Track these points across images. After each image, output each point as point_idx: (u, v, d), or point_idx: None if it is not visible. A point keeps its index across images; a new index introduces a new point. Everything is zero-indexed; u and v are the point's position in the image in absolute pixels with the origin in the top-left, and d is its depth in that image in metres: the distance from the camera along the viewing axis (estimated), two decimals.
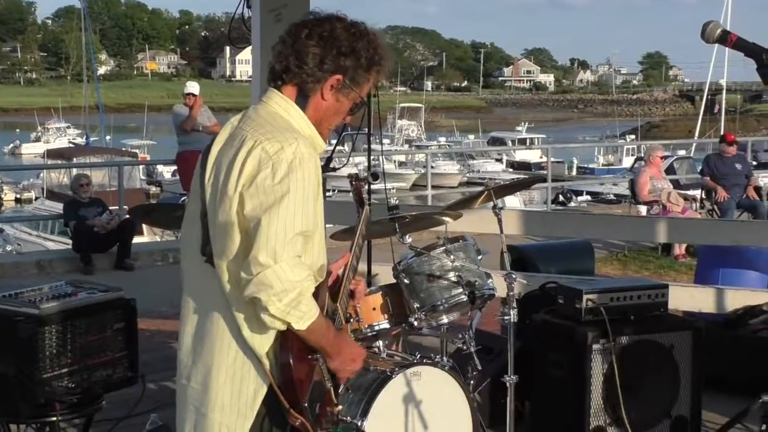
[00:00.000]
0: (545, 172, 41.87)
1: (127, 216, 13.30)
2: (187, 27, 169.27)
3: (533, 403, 5.68)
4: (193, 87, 13.32)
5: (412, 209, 5.80)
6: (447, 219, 5.21)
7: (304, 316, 2.83)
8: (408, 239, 4.86)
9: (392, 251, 5.37)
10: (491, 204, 5.11)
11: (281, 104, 3.04)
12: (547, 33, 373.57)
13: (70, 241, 12.62)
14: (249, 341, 2.91)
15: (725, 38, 2.89)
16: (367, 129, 5.65)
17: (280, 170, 2.83)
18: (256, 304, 2.80)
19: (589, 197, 34.04)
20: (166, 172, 41.06)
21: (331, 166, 5.34)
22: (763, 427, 5.45)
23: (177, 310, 8.94)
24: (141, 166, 31.12)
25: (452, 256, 4.85)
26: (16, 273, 11.33)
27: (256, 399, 2.96)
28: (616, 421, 5.33)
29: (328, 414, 3.08)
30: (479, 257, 5.02)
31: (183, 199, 26.37)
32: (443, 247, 4.86)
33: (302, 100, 3.05)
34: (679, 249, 12.98)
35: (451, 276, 4.83)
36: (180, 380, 3.11)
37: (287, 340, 2.88)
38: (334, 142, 5.32)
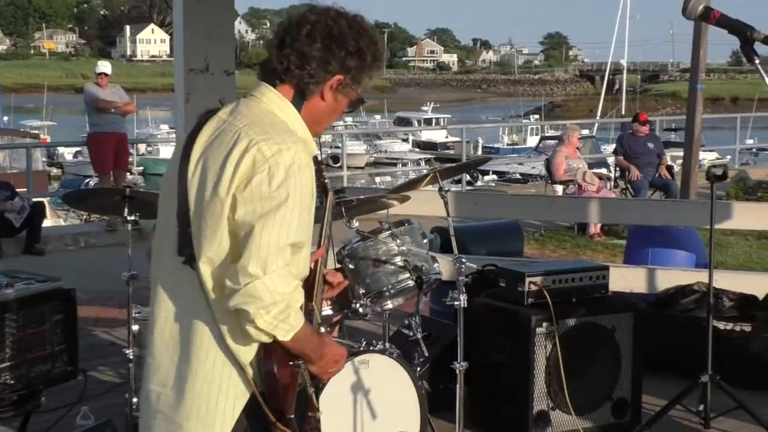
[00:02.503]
0: (451, 151, 42.57)
1: (35, 200, 12.96)
2: (85, 5, 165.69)
3: (474, 387, 5.59)
4: (105, 66, 12.95)
5: (358, 192, 5.68)
6: (394, 202, 5.09)
7: (291, 328, 2.68)
8: (355, 223, 4.72)
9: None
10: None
11: (277, 103, 2.85)
12: (450, 13, 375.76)
13: None
14: (233, 349, 2.74)
15: (708, 15, 2.81)
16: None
17: (278, 175, 2.65)
18: (242, 315, 2.64)
19: (495, 177, 34.25)
20: (68, 153, 40.23)
21: None
22: (701, 407, 5.50)
23: (91, 295, 8.75)
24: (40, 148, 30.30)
25: (398, 240, 4.73)
26: None
27: (236, 408, 2.79)
28: (560, 405, 5.30)
29: (311, 421, 2.95)
30: (425, 241, 4.91)
31: (88, 180, 25.97)
32: (389, 232, 4.74)
33: (299, 101, 2.86)
34: (595, 228, 13.10)
35: (398, 261, 4.72)
36: (147, 385, 2.91)
37: (270, 347, 2.73)
38: None
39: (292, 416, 2.81)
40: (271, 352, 2.74)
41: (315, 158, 3.17)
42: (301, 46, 2.81)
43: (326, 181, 3.17)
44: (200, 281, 2.73)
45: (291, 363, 2.79)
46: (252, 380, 2.77)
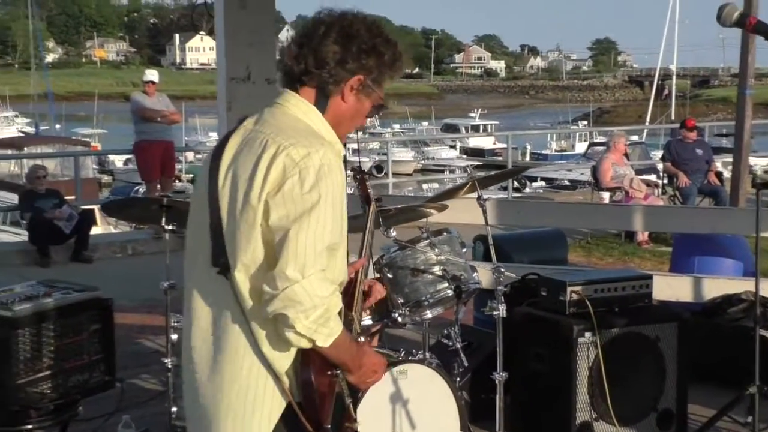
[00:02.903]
0: (499, 158, 42.46)
1: (85, 207, 13.08)
2: (135, 14, 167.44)
3: (515, 397, 5.54)
4: (152, 75, 13.05)
5: (396, 201, 5.65)
6: (432, 211, 5.05)
7: (331, 333, 2.66)
8: (393, 232, 4.68)
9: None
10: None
11: (300, 107, 2.85)
12: (498, 19, 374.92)
13: (23, 232, 12.31)
14: (269, 358, 2.73)
15: (743, 22, 2.76)
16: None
17: (309, 178, 2.64)
18: (281, 321, 2.62)
19: (543, 183, 34.08)
20: (118, 161, 40.62)
21: None
22: (749, 418, 5.39)
23: (138, 303, 8.80)
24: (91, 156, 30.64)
25: (437, 250, 4.70)
26: None
27: (272, 418, 2.77)
28: (603, 415, 5.23)
29: (348, 431, 2.92)
30: (463, 250, 4.87)
31: (137, 188, 26.20)
32: (428, 241, 4.71)
33: (322, 103, 2.86)
34: (642, 235, 12.94)
35: (437, 270, 4.69)
36: (186, 396, 2.92)
37: (308, 356, 2.71)
38: None
39: (329, 426, 2.79)
40: (309, 360, 2.72)
41: (358, 168, 3.15)
42: (317, 47, 2.81)
43: (369, 191, 3.14)
44: (235, 291, 2.72)
45: (329, 372, 2.77)
46: (288, 390, 2.75)
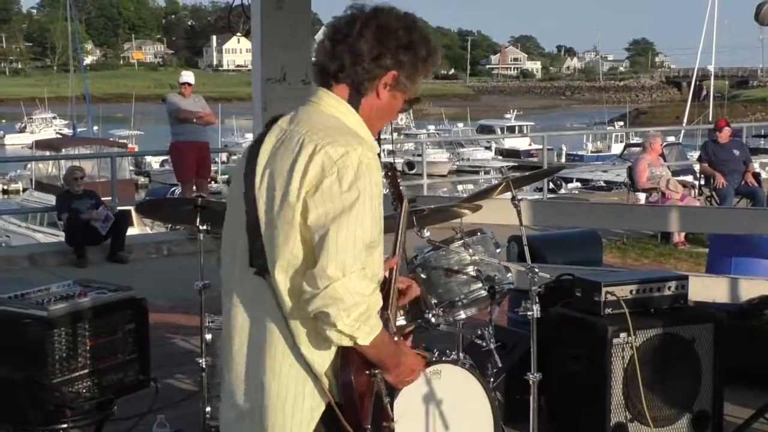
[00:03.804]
0: (535, 159, 42.35)
1: (121, 208, 13.17)
2: (173, 16, 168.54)
3: (550, 398, 5.52)
4: (188, 76, 13.11)
5: (430, 201, 5.65)
6: (466, 211, 5.04)
7: (372, 331, 2.66)
8: (426, 233, 4.68)
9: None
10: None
11: (335, 105, 2.83)
12: (534, 20, 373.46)
13: (60, 233, 12.40)
14: (308, 359, 2.73)
15: None
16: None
17: (347, 176, 2.64)
18: (322, 319, 2.61)
19: (579, 184, 33.95)
20: (155, 162, 40.85)
21: None
22: None
23: (173, 303, 8.83)
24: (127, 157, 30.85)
25: (471, 250, 4.69)
26: (8, 267, 11.13)
27: (312, 420, 2.77)
28: (638, 416, 5.21)
29: (386, 430, 2.92)
30: (498, 250, 4.86)
31: (173, 189, 26.33)
32: (461, 241, 4.70)
33: (356, 100, 2.84)
34: (679, 236, 12.85)
35: (470, 270, 4.67)
36: (226, 400, 2.93)
37: (348, 356, 2.71)
38: None
39: (368, 426, 2.79)
40: (348, 361, 2.72)
41: (390, 165, 3.14)
42: (353, 43, 2.78)
43: (401, 189, 3.13)
44: (274, 291, 2.72)
45: (367, 372, 2.77)
46: (328, 391, 2.75)
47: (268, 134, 2.85)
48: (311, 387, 2.75)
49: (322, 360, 2.74)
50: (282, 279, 2.70)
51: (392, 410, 2.94)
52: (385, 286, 2.94)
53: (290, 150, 2.73)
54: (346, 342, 2.65)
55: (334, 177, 2.64)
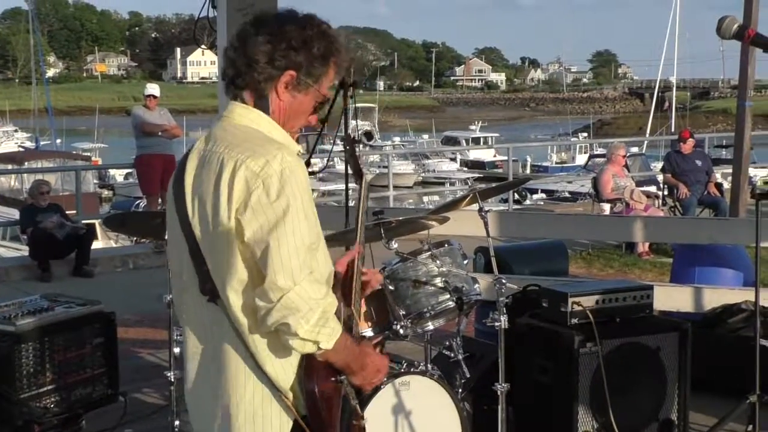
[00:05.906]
0: (500, 170, 42.48)
1: (85, 222, 13.07)
2: (137, 28, 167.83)
3: (517, 408, 5.54)
4: (153, 89, 13.06)
5: (398, 213, 5.66)
6: (433, 223, 5.06)
7: (333, 332, 2.67)
8: (394, 244, 4.70)
9: (371, 256, 5.22)
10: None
11: (246, 114, 2.84)
12: (498, 32, 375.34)
13: (23, 247, 12.29)
14: (273, 376, 2.73)
15: (742, 34, 2.78)
16: (320, 129, 5.43)
17: (273, 186, 2.64)
18: (283, 330, 2.62)
19: (544, 195, 34.10)
20: (119, 175, 40.61)
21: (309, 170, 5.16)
22: (749, 427, 5.40)
23: (139, 317, 8.77)
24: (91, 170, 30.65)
25: (438, 261, 4.71)
26: None
27: None
28: (604, 425, 5.24)
29: (356, 429, 2.95)
30: (465, 262, 4.88)
31: (138, 202, 26.22)
32: (429, 252, 4.72)
33: (262, 104, 2.83)
34: (643, 246, 12.94)
35: (438, 282, 4.69)
36: (196, 423, 2.93)
37: (311, 367, 2.72)
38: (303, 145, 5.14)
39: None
40: (312, 371, 2.73)
41: (348, 137, 3.12)
42: (248, 47, 2.79)
43: (360, 163, 3.10)
44: (228, 314, 2.72)
45: (333, 379, 2.78)
46: (293, 406, 2.75)
47: (189, 158, 2.86)
48: (278, 407, 2.76)
49: (286, 374, 2.75)
50: (234, 299, 2.70)
51: (362, 408, 2.95)
52: (347, 281, 2.97)
53: (212, 171, 2.73)
54: (310, 348, 2.66)
55: (261, 189, 2.64)
